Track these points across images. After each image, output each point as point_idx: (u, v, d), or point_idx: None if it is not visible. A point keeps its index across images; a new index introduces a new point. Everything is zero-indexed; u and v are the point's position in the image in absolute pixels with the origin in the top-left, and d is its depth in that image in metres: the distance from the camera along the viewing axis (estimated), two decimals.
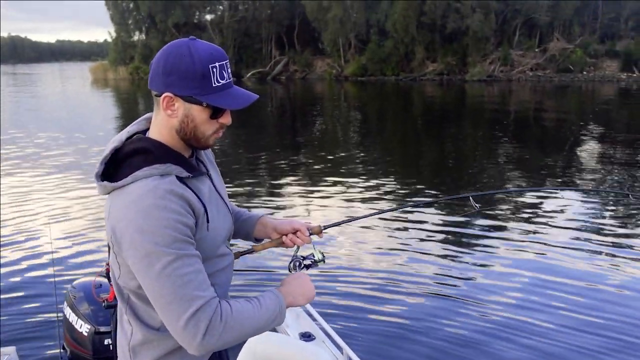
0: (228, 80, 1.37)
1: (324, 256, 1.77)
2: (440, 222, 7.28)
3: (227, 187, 1.66)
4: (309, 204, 8.11)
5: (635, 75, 36.33)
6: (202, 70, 1.31)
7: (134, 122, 1.49)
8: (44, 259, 5.72)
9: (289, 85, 40.19)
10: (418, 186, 9.84)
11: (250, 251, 1.82)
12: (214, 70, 1.33)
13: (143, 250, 1.25)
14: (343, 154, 12.77)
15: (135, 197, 1.28)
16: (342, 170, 10.86)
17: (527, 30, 40.45)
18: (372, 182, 9.61)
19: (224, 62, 1.35)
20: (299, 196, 8.69)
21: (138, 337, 1.43)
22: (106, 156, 1.40)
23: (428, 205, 7.81)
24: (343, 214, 7.35)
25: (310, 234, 1.77)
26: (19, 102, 29.28)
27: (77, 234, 6.69)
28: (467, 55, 39.49)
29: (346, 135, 16.36)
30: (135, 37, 54.08)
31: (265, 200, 8.49)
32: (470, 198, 2.12)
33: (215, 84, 1.33)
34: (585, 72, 37.64)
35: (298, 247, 1.76)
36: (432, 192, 9.08)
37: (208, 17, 51.89)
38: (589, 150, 13.32)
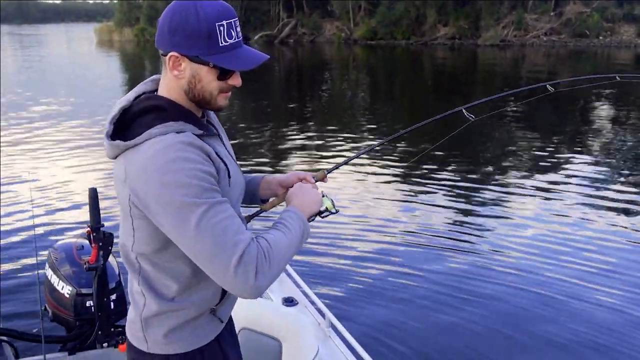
0: (237, 40, 1.32)
1: (334, 205, 1.60)
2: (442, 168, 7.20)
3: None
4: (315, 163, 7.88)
5: None
6: (208, 28, 1.25)
7: (140, 83, 1.43)
8: (24, 222, 5.64)
9: (297, 49, 39.52)
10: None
11: (259, 212, 1.77)
12: (221, 28, 1.27)
13: (174, 206, 1.20)
14: (350, 121, 12.43)
15: (155, 152, 1.22)
16: (348, 136, 10.56)
17: None
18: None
19: (232, 20, 1.30)
20: (304, 161, 8.43)
21: (152, 309, 1.39)
22: (115, 115, 1.34)
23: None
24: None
25: (316, 181, 1.71)
26: (20, 65, 28.93)
27: (59, 197, 6.60)
28: (480, 19, 38.45)
29: (353, 102, 15.98)
30: None
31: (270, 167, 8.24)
32: (463, 110, 2.11)
33: (222, 43, 1.28)
34: (601, 37, 36.60)
35: None
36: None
37: None
38: (598, 115, 12.91)
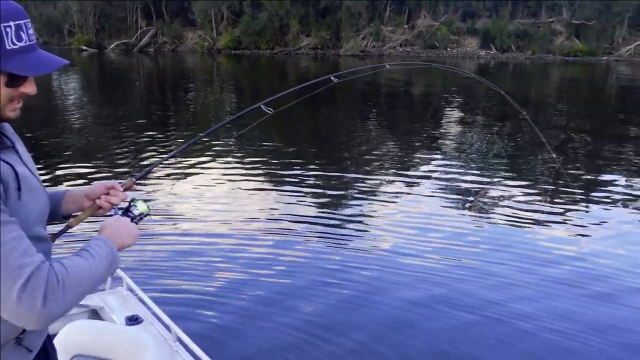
0: (28, 43, 1.23)
1: (149, 208, 1.61)
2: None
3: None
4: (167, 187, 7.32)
5: (492, 52, 39.05)
6: None
7: None
8: None
9: (158, 58, 37.94)
10: (291, 159, 9.48)
11: (66, 229, 1.64)
12: (8, 30, 1.19)
13: None
14: (207, 127, 11.94)
15: None
16: (210, 141, 10.10)
17: (397, 7, 41.69)
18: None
19: (21, 22, 1.21)
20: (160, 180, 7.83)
21: None
22: None
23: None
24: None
25: (125, 190, 1.65)
26: None
27: None
28: (341, 30, 39.81)
29: (217, 109, 15.51)
30: None
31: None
32: (262, 106, 2.22)
33: (10, 46, 1.19)
34: (449, 49, 39.74)
35: (116, 206, 1.64)
36: (308, 165, 8.77)
37: None
38: (447, 120, 13.80)
